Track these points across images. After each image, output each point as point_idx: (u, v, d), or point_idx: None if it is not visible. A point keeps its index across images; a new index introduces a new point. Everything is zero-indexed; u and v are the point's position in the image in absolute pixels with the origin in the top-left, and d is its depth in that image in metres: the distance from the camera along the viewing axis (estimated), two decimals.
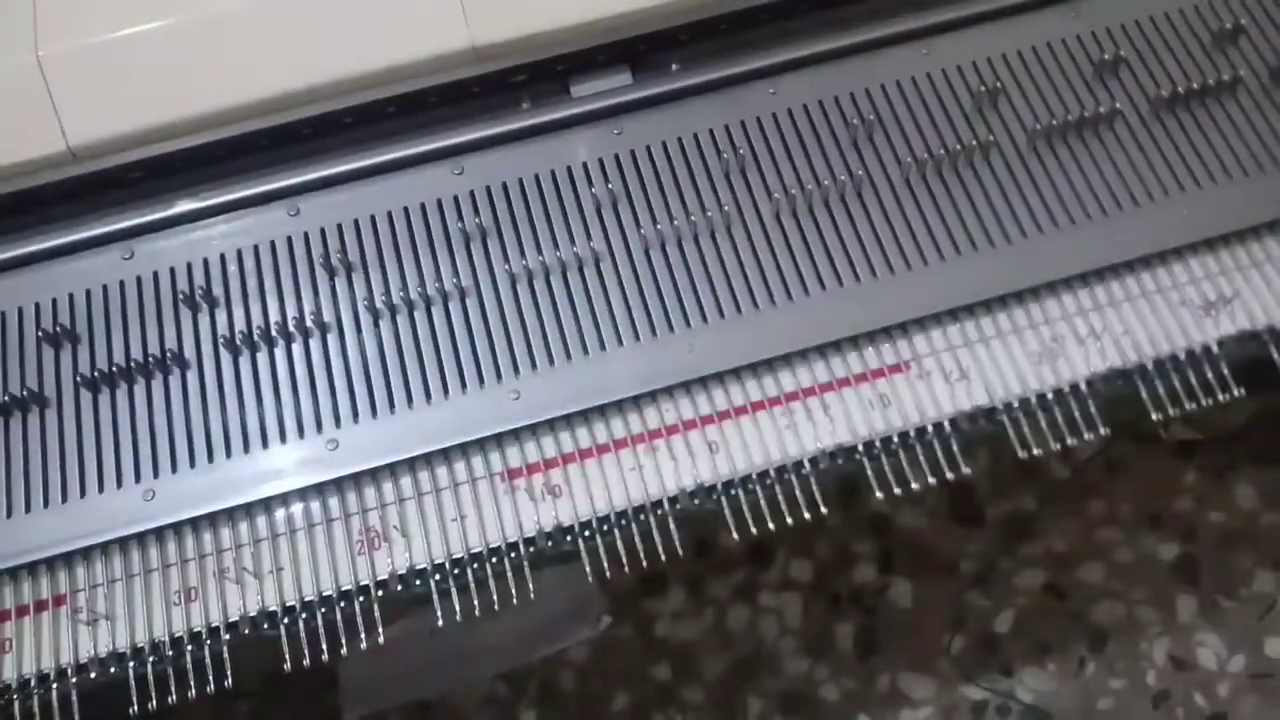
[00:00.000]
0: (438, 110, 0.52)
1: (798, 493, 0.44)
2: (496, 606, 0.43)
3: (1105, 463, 0.90)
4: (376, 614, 0.43)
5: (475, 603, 0.43)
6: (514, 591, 0.43)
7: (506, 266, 0.48)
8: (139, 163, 0.49)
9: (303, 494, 0.44)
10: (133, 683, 0.42)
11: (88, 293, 0.48)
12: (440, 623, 0.42)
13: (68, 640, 0.42)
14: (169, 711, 0.42)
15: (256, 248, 0.49)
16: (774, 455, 0.44)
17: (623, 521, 0.44)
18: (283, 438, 0.45)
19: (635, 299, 0.47)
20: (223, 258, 0.49)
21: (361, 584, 0.43)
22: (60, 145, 0.48)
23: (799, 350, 0.46)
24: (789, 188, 0.49)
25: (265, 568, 0.43)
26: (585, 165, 0.50)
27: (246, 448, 0.45)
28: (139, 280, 0.48)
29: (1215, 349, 0.46)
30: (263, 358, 0.47)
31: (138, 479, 0.44)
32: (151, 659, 0.42)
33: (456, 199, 0.50)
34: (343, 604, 0.43)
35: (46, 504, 0.44)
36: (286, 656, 0.42)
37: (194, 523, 0.44)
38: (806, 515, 0.44)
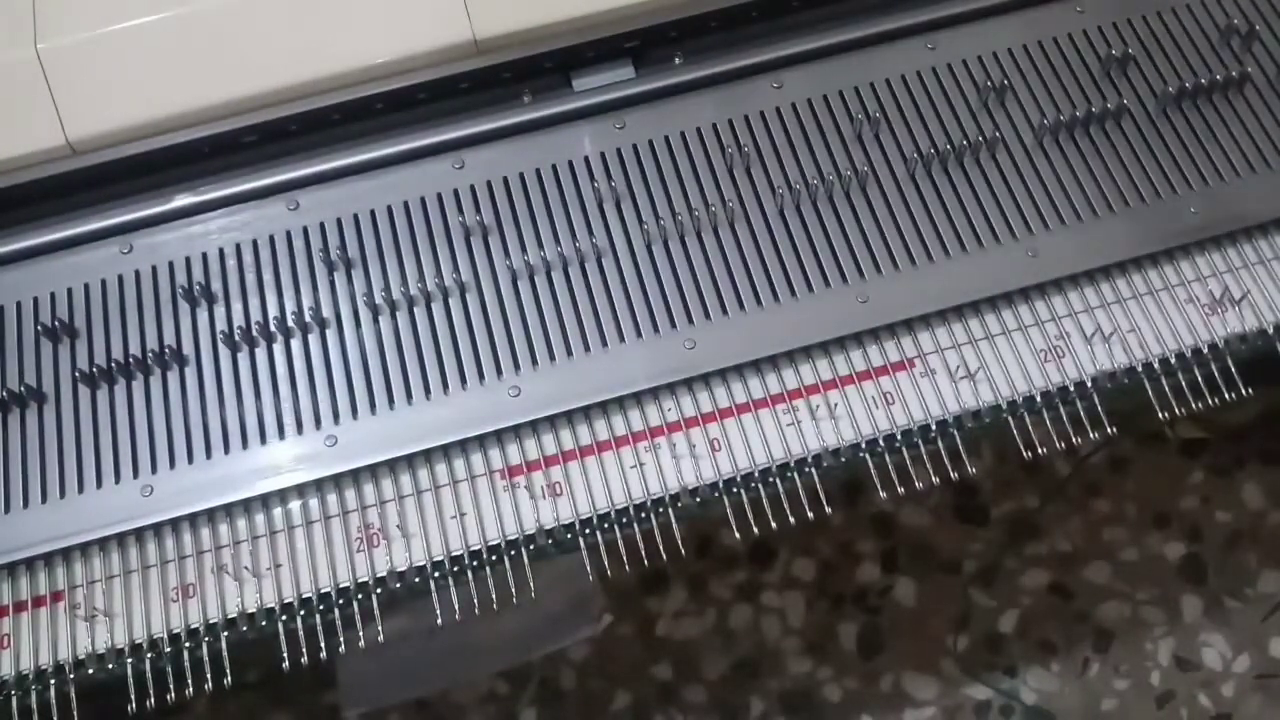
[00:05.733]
0: (438, 104, 0.51)
1: (800, 491, 0.44)
2: (496, 604, 0.42)
3: (1111, 462, 0.90)
4: (376, 611, 0.43)
5: (475, 600, 0.43)
6: (514, 589, 0.42)
7: (507, 262, 0.48)
8: (138, 156, 0.49)
9: (301, 490, 0.44)
10: (131, 679, 0.42)
11: (86, 287, 0.48)
12: (440, 620, 0.42)
13: (66, 636, 0.42)
14: (167, 709, 0.42)
15: (256, 242, 0.49)
16: (776, 453, 0.44)
17: (624, 519, 0.43)
18: (281, 434, 0.45)
19: (637, 294, 0.47)
20: (221, 252, 0.49)
21: (360, 581, 0.42)
22: (59, 139, 0.48)
23: (802, 347, 0.45)
24: (793, 183, 0.48)
25: (264, 564, 0.43)
26: (587, 159, 0.50)
27: (245, 444, 0.45)
28: (137, 275, 0.48)
29: (1222, 347, 0.46)
30: (261, 353, 0.46)
31: (136, 474, 0.44)
32: (150, 655, 0.42)
33: (457, 193, 0.49)
34: (342, 601, 0.42)
35: (45, 499, 0.44)
36: (285, 654, 0.42)
37: (192, 519, 0.44)
38: (809, 514, 0.43)
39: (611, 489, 0.44)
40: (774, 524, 0.43)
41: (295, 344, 0.46)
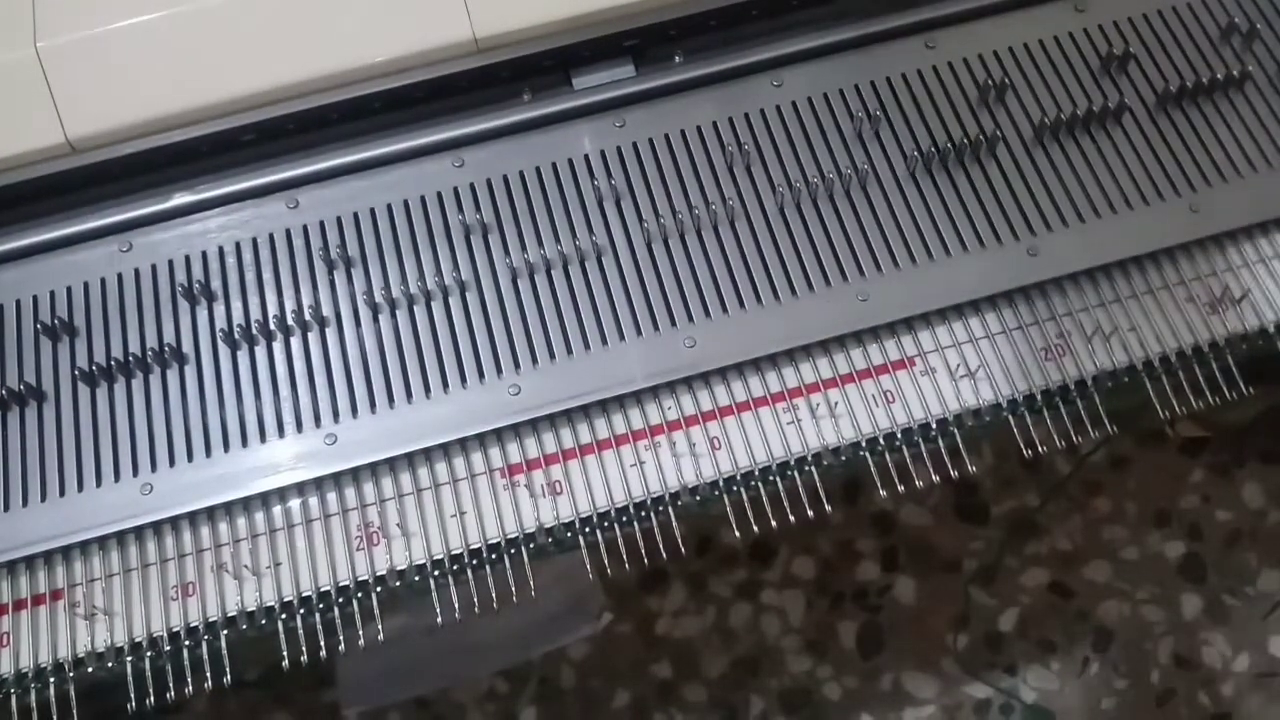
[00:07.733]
0: (438, 103, 0.51)
1: (800, 489, 0.44)
2: (496, 603, 0.42)
3: (1111, 460, 0.90)
4: (376, 610, 0.43)
5: (475, 599, 0.43)
6: (514, 588, 0.42)
7: (507, 260, 0.48)
8: (137, 155, 0.49)
9: (301, 489, 0.44)
10: (130, 678, 0.42)
11: (85, 286, 0.48)
12: (440, 619, 0.42)
13: (65, 635, 0.42)
14: (167, 707, 0.42)
15: (255, 241, 0.49)
16: (776, 451, 0.44)
17: (623, 518, 0.43)
18: (281, 432, 0.45)
19: (637, 293, 0.47)
20: (221, 251, 0.49)
21: (360, 580, 0.42)
22: (59, 137, 0.48)
23: (802, 345, 0.45)
24: (793, 181, 0.48)
25: (263, 563, 0.43)
26: (587, 158, 0.50)
27: (245, 442, 0.45)
28: (137, 273, 0.48)
29: (1222, 346, 0.46)
30: (261, 352, 0.46)
31: (135, 473, 0.44)
32: (149, 654, 0.42)
33: (457, 192, 0.49)
34: (341, 600, 0.42)
35: (44, 498, 0.44)
36: (285, 653, 0.42)
37: (192, 517, 0.44)
38: (809, 512, 0.43)
39: (611, 487, 0.44)
40: (774, 522, 0.43)
41: (295, 342, 0.46)
